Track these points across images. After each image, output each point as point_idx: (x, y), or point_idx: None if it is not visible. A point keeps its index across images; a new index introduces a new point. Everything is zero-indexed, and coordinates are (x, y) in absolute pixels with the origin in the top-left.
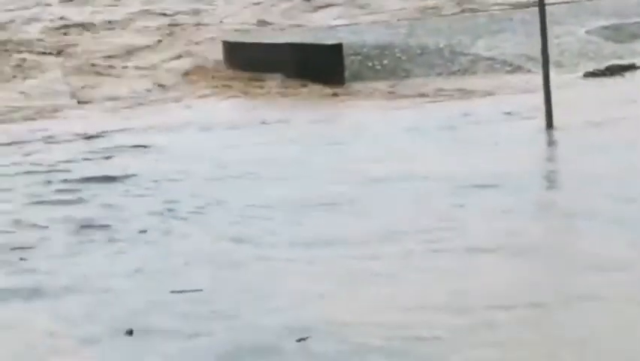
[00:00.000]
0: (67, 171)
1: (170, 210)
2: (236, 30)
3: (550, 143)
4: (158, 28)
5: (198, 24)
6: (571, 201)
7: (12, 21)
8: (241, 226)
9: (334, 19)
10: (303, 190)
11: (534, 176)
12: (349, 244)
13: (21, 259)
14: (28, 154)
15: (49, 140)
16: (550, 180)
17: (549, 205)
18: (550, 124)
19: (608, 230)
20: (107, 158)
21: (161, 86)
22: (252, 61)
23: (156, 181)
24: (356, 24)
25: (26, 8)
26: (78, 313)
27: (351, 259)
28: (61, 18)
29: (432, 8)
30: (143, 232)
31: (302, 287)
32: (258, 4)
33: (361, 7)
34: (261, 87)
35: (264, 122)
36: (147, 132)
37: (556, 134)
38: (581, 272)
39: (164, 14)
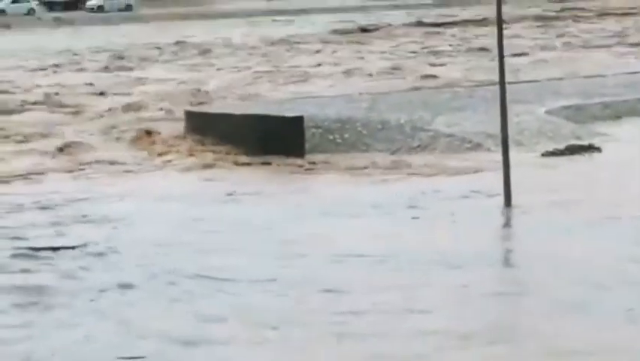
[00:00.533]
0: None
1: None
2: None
3: (508, 222)
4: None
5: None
6: (523, 280)
7: None
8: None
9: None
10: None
11: (489, 254)
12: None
13: None
14: None
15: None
16: (505, 260)
17: (503, 283)
18: (508, 202)
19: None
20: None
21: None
22: (213, 131)
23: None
24: (318, 97)
25: None
26: None
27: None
28: None
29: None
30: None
31: None
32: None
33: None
34: (222, 158)
35: (229, 195)
36: (106, 201)
37: (515, 212)
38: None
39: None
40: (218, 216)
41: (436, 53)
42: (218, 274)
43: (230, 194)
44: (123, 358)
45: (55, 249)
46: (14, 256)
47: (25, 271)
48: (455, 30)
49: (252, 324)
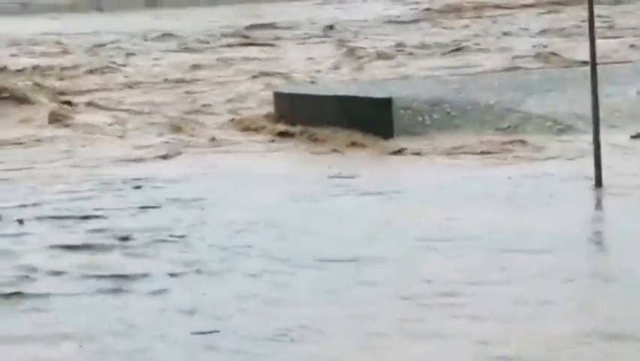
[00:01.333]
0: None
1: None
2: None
3: (599, 203)
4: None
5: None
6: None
7: None
8: None
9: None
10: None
11: (580, 237)
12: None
13: None
14: None
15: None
16: (597, 242)
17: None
18: (599, 183)
19: None
20: None
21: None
22: (302, 113)
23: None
24: (407, 77)
25: None
26: None
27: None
28: None
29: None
30: None
31: None
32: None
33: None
34: (310, 141)
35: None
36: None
37: (606, 193)
38: None
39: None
40: (308, 199)
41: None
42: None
43: (330, 177)
44: (196, 332)
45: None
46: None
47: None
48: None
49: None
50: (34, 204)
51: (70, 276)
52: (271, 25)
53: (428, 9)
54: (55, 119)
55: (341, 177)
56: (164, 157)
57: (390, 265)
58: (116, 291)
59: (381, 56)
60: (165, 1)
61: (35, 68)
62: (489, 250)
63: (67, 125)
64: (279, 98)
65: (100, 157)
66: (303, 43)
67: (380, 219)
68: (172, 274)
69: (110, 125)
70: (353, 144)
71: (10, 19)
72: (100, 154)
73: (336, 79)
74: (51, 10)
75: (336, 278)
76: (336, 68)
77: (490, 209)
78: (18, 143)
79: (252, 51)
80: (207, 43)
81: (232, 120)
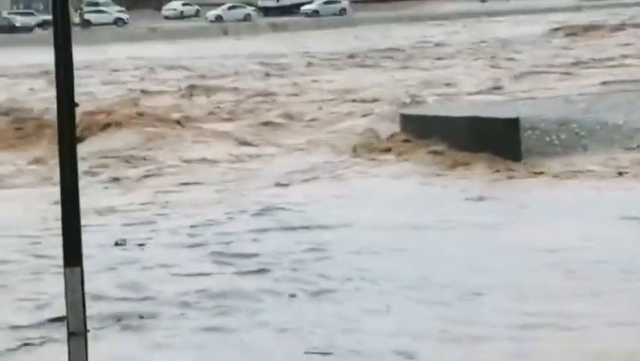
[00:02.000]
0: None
1: None
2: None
3: None
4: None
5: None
6: None
7: None
8: None
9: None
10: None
11: None
12: None
13: None
14: None
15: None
16: None
17: None
18: None
19: None
20: None
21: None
22: (428, 132)
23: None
24: (532, 98)
25: None
26: None
27: None
28: None
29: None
30: None
31: None
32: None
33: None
34: (438, 161)
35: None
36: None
37: None
38: None
39: None
40: (443, 218)
41: None
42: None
43: (467, 199)
44: (309, 352)
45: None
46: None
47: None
48: None
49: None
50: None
51: None
52: (396, 48)
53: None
54: None
55: (479, 200)
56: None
57: None
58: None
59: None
60: (290, 27)
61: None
62: None
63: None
64: (406, 119)
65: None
66: (439, 59)
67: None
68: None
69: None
70: (482, 164)
71: (146, 44)
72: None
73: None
74: (179, 36)
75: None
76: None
77: None
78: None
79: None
80: (356, 58)
81: (358, 142)
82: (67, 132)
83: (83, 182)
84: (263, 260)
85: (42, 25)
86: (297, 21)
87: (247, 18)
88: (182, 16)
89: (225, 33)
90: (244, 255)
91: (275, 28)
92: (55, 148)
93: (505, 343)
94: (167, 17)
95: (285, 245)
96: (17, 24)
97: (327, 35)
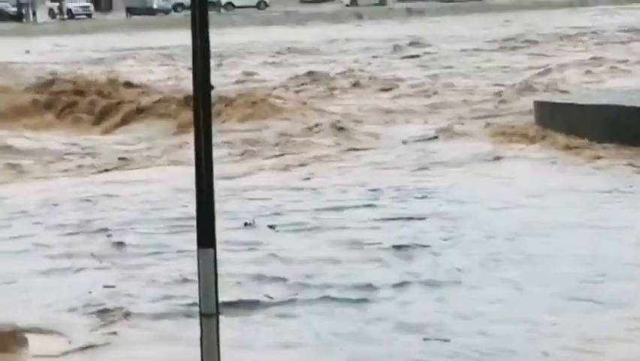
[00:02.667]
0: None
1: None
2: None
3: None
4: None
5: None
6: None
7: None
8: None
9: None
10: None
11: None
12: None
13: None
14: None
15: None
16: None
17: None
18: None
19: None
20: None
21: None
22: (562, 121)
23: None
24: None
25: None
26: None
27: None
28: None
29: None
30: None
31: None
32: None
33: None
34: (575, 152)
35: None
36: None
37: None
38: None
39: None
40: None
41: None
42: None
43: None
44: (428, 338)
45: None
46: None
47: None
48: None
49: None
50: None
51: None
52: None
53: None
54: None
55: (621, 192)
56: None
57: None
58: None
59: None
60: (426, 12)
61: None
62: None
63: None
64: (540, 106)
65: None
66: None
67: None
68: None
69: None
70: (618, 155)
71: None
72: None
73: None
74: (312, 19)
75: None
76: None
77: None
78: None
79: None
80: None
81: (487, 126)
82: (203, 116)
83: None
84: None
85: (175, 7)
86: (432, 6)
87: (382, 2)
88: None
89: (359, 17)
90: None
91: (410, 12)
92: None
93: None
94: (302, 0)
95: None
96: (154, 6)
97: (467, 20)
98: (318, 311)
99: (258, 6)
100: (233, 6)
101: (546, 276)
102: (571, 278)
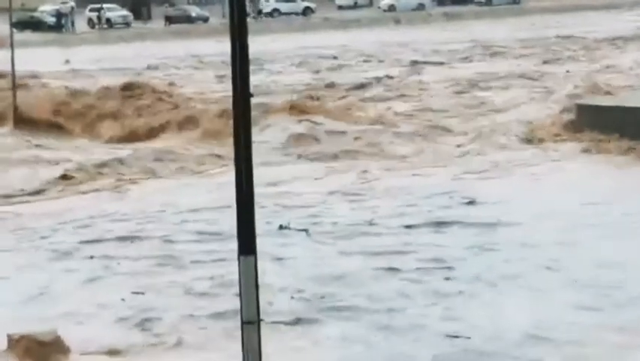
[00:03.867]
0: None
1: None
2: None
3: None
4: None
5: None
6: None
7: None
8: None
9: None
10: None
11: None
12: None
13: None
14: None
15: None
16: None
17: None
18: None
19: None
20: None
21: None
22: (605, 123)
23: None
24: None
25: None
26: None
27: None
28: None
29: None
30: None
31: None
32: None
33: None
34: (623, 153)
35: None
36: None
37: None
38: None
39: None
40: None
41: None
42: None
43: None
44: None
45: None
46: None
47: None
48: None
49: None
50: None
51: None
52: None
53: None
54: None
55: None
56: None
57: None
58: None
59: None
60: (464, 16)
61: None
62: None
63: None
64: (581, 109)
65: None
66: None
67: None
68: None
69: None
70: None
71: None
72: None
73: None
74: (348, 25)
75: None
76: None
77: None
78: None
79: None
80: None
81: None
82: (243, 123)
83: None
84: None
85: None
86: (469, 10)
87: (420, 7)
88: (355, 6)
89: (397, 22)
90: None
91: (448, 17)
92: None
93: None
94: (340, 7)
95: None
96: (193, 14)
97: (507, 24)
98: None
99: (304, 13)
100: (280, 13)
101: None
102: None
